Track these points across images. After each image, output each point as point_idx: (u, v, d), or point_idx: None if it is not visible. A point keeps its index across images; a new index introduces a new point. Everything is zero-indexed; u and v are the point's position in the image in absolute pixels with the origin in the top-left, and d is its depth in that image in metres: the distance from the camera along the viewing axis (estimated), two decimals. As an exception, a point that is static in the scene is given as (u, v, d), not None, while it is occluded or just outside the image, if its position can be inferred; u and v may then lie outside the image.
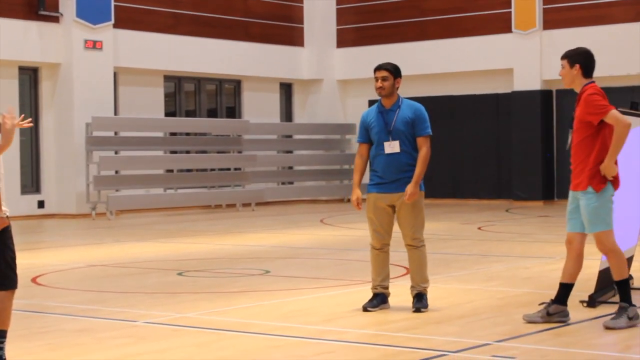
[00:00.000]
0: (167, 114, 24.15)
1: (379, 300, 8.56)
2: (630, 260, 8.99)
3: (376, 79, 8.52)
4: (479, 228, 17.43)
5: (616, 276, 7.71)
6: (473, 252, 13.40)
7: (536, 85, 24.22)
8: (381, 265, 8.61)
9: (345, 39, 27.12)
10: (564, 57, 7.93)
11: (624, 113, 7.72)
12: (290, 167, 26.59)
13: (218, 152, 24.40)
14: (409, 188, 8.36)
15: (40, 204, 21.65)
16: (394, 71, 8.53)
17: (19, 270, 6.11)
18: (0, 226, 5.91)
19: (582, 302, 8.47)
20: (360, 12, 26.92)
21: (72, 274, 11.81)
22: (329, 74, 27.13)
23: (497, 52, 24.71)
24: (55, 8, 21.54)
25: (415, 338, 7.31)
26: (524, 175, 24.32)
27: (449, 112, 25.32)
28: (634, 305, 7.67)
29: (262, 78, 26.09)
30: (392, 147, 8.47)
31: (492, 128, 25.13)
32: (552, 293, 9.32)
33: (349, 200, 26.03)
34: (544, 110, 24.27)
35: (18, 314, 7.57)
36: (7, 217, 5.96)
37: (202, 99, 25.20)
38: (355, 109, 26.64)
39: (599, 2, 23.57)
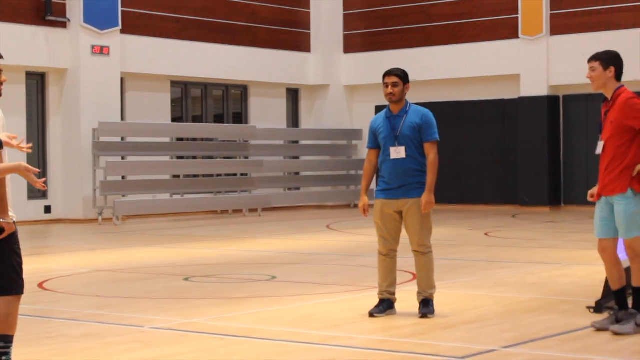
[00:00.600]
0: (173, 120, 24.17)
1: (386, 306, 8.54)
2: None
3: (386, 85, 8.51)
4: (486, 234, 17.42)
5: (636, 282, 7.64)
6: (479, 258, 13.38)
7: (543, 91, 24.19)
8: (388, 271, 8.60)
9: (352, 45, 27.13)
10: (595, 59, 7.77)
11: None
12: (297, 173, 26.59)
13: (225, 158, 24.42)
14: (424, 198, 8.37)
15: (47, 209, 21.68)
16: (403, 77, 8.54)
17: (25, 276, 6.10)
18: (7, 231, 5.90)
19: (588, 307, 8.45)
20: (367, 17, 26.94)
21: (78, 279, 11.83)
22: (336, 79, 27.14)
23: (504, 58, 24.69)
24: (63, 13, 21.57)
25: (421, 344, 7.30)
26: (531, 181, 24.30)
27: (455, 118, 25.32)
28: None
29: (269, 83, 26.11)
30: (398, 152, 8.47)
31: (499, 134, 25.12)
32: (560, 299, 9.34)
33: (355, 206, 26.02)
34: (550, 116, 24.24)
35: (24, 319, 7.56)
36: (14, 222, 5.95)
37: (208, 104, 25.22)
38: (362, 115, 26.66)
39: (605, 8, 23.55)
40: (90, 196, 21.50)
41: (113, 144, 21.87)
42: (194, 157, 24.10)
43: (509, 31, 24.68)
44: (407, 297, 8.97)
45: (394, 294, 8.60)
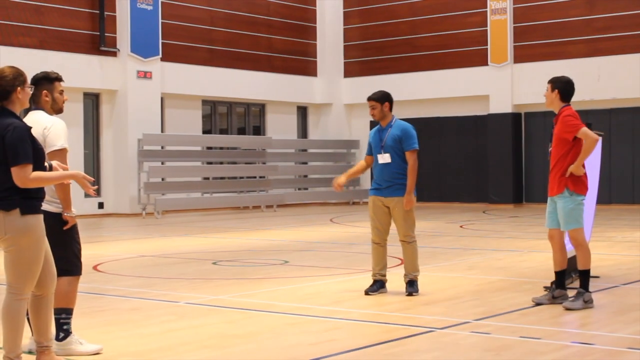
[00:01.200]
0: (204, 132, 24.18)
1: (378, 285, 8.55)
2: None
3: (369, 107, 8.58)
4: (461, 226, 17.40)
5: (581, 266, 7.69)
6: (456, 246, 13.37)
7: (508, 109, 24.17)
8: (380, 257, 8.60)
9: (351, 70, 27.12)
10: (549, 82, 7.86)
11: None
12: (306, 176, 26.58)
13: (246, 163, 24.42)
14: (405, 198, 8.39)
15: (100, 205, 21.71)
16: (380, 99, 8.55)
17: (83, 260, 6.13)
18: (70, 223, 5.94)
19: (545, 288, 8.45)
20: (363, 48, 26.93)
21: (126, 262, 11.83)
22: (338, 99, 27.13)
23: (476, 82, 24.68)
24: (114, 44, 21.61)
25: (408, 317, 7.31)
26: (498, 183, 24.27)
27: (436, 131, 25.31)
28: (590, 292, 7.66)
29: (283, 102, 26.10)
30: (384, 158, 8.52)
31: (472, 144, 25.09)
32: (522, 280, 9.34)
33: (354, 203, 26.02)
34: (514, 129, 24.21)
35: (82, 295, 7.59)
36: (74, 216, 5.99)
37: (233, 119, 25.22)
38: (359, 128, 26.67)
39: (560, 41, 23.54)
40: (135, 195, 21.52)
41: (154, 152, 21.89)
42: (221, 163, 24.10)
43: (480, 59, 24.66)
44: (396, 279, 8.97)
45: (384, 275, 8.60)
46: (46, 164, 5.38)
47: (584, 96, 21.91)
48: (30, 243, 5.18)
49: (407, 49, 26.02)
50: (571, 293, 7.87)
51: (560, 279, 7.82)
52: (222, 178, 23.83)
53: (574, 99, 7.89)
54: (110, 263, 11.54)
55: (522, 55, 24.07)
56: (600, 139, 8.17)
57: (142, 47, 21.74)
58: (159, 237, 15.90)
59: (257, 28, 25.21)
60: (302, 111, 27.31)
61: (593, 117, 21.65)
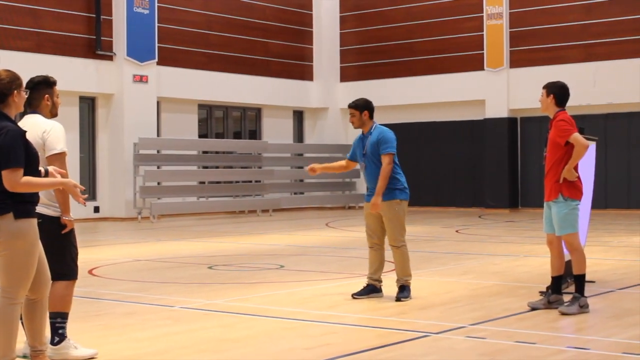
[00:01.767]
0: (200, 136, 24.17)
1: (368, 289, 8.51)
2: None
3: (349, 114, 8.63)
4: (457, 231, 17.40)
5: (576, 271, 7.70)
6: (451, 251, 13.37)
7: (504, 114, 24.20)
8: (372, 260, 8.59)
9: (347, 75, 27.15)
10: (544, 87, 7.88)
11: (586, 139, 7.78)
12: (302, 180, 26.57)
13: (242, 167, 24.42)
14: (372, 200, 8.34)
15: (96, 209, 21.68)
16: (359, 107, 8.55)
17: (78, 264, 6.12)
18: (69, 227, 5.93)
19: (540, 292, 8.45)
20: (360, 52, 26.96)
21: (121, 267, 11.82)
22: (334, 103, 27.14)
23: (472, 86, 24.71)
24: (110, 48, 21.61)
25: (403, 322, 7.30)
26: (494, 188, 24.29)
27: (432, 135, 25.32)
28: (585, 297, 7.66)
29: (279, 106, 26.11)
30: (366, 165, 8.53)
31: (468, 148, 25.11)
32: (518, 285, 9.34)
33: (350, 208, 26.02)
34: (510, 134, 24.24)
35: (77, 299, 7.57)
36: (72, 220, 5.98)
37: (229, 123, 25.22)
38: (355, 132, 26.48)
39: (556, 46, 23.59)
40: (131, 199, 21.50)
41: (150, 156, 21.88)
42: (217, 167, 24.10)
43: (476, 64, 24.69)
44: (392, 283, 8.97)
45: (377, 280, 8.57)
46: (41, 168, 5.37)
47: (580, 101, 21.97)
48: (24, 247, 5.17)
49: (403, 53, 26.05)
50: (567, 298, 7.88)
51: (557, 284, 7.83)
52: (218, 182, 23.82)
53: (569, 103, 7.91)
54: (106, 267, 11.52)
55: (519, 60, 24.12)
56: (594, 144, 8.20)
57: (138, 51, 21.73)
58: (155, 241, 15.88)
59: (254, 32, 25.22)
60: (298, 115, 27.32)
61: (589, 122, 21.68)
